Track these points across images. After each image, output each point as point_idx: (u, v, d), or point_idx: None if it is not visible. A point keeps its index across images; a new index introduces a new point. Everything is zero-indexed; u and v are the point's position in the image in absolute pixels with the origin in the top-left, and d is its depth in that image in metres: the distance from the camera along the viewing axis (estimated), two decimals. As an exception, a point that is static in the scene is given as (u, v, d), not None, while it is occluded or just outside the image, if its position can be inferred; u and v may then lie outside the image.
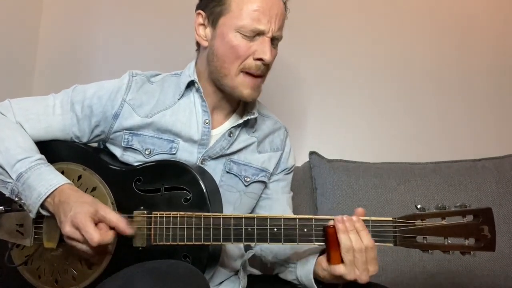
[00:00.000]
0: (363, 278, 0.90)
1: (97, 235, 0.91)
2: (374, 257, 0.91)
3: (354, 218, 0.92)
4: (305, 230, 0.94)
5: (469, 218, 0.91)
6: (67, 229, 0.93)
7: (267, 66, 1.08)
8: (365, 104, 1.82)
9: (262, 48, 1.05)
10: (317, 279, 1.00)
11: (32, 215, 1.00)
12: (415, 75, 1.82)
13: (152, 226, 0.99)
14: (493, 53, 1.81)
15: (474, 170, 1.59)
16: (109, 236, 0.94)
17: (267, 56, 1.05)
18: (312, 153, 1.69)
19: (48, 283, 1.05)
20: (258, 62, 1.06)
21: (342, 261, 0.91)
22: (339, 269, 0.91)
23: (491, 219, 0.90)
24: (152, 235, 0.99)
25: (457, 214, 0.91)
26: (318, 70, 1.83)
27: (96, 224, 0.94)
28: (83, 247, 0.94)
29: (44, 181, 0.98)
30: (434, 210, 0.92)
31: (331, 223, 0.93)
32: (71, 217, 0.93)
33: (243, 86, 1.08)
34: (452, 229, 0.91)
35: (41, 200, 0.97)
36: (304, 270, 1.04)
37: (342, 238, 0.90)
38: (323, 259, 0.97)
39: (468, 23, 1.82)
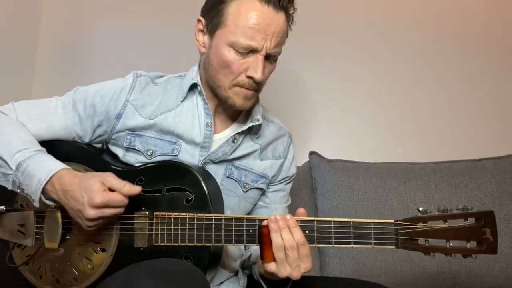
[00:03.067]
0: (294, 275, 0.91)
1: (124, 192, 0.95)
2: (306, 254, 0.92)
3: (288, 216, 0.93)
4: (307, 231, 0.94)
5: (471, 221, 0.91)
6: (92, 213, 0.94)
7: (259, 83, 1.07)
8: (365, 104, 1.82)
9: (254, 66, 1.03)
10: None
11: (36, 203, 1.00)
12: (415, 75, 1.82)
13: (154, 226, 1.00)
14: (493, 53, 1.81)
15: (474, 170, 1.59)
16: (131, 187, 0.97)
17: (258, 75, 1.03)
18: (312, 153, 1.69)
19: (49, 283, 1.05)
20: (250, 80, 1.05)
21: (274, 259, 0.92)
22: (271, 266, 0.92)
23: (493, 222, 0.90)
24: (153, 236, 0.99)
25: (459, 217, 0.91)
26: (318, 70, 1.83)
27: None
28: (113, 212, 0.96)
29: (43, 167, 0.99)
30: (436, 213, 0.92)
31: (264, 223, 0.94)
32: (89, 202, 0.94)
33: (236, 96, 1.07)
34: (454, 231, 0.91)
35: (42, 185, 0.97)
36: (255, 268, 1.08)
37: (274, 237, 0.91)
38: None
39: (468, 23, 1.82)
